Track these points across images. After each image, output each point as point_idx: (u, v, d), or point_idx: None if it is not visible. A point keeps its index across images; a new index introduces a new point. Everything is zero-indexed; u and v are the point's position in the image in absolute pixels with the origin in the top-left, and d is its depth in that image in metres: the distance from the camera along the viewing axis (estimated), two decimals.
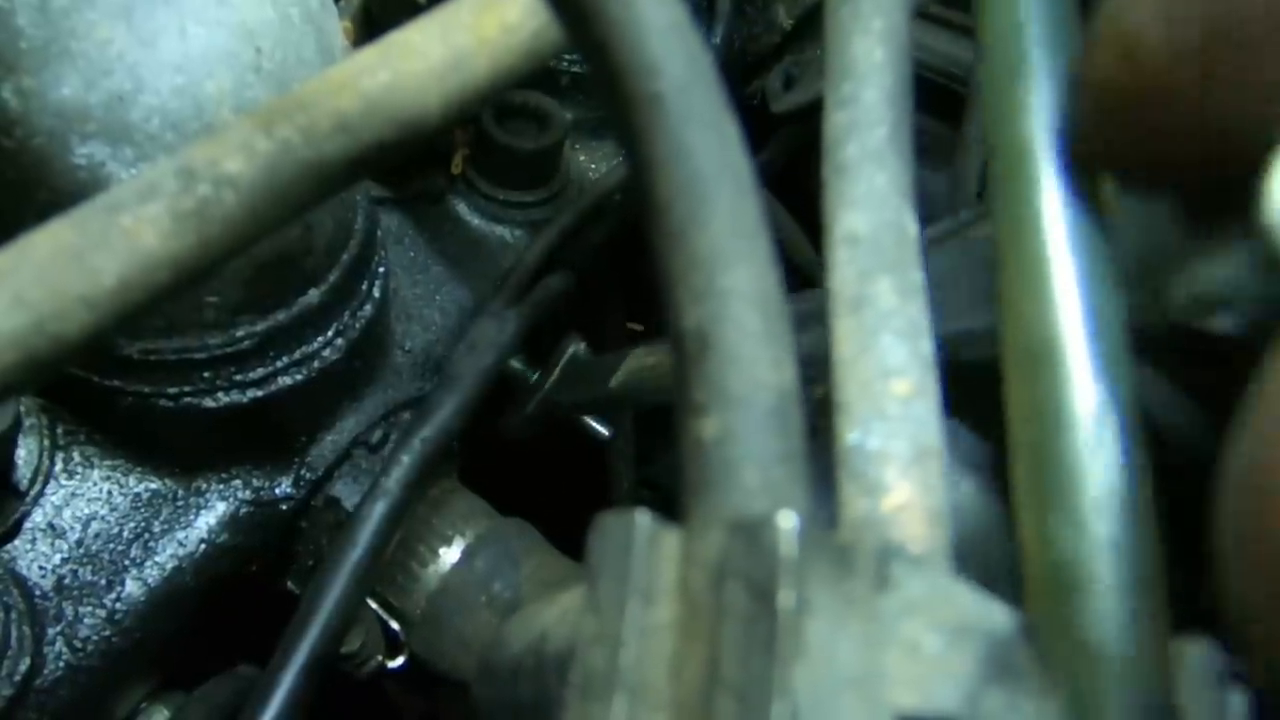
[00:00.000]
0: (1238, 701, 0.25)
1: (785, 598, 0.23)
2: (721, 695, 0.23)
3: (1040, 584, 0.26)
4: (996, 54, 0.32)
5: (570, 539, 0.73)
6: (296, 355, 0.66)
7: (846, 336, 0.33)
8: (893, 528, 0.30)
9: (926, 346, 0.33)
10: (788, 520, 0.24)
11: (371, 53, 0.39)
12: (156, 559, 0.67)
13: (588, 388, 0.79)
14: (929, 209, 0.39)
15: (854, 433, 0.32)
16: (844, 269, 0.35)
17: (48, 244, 0.32)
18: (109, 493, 0.67)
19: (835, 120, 0.38)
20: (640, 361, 0.73)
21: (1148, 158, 0.28)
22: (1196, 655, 0.25)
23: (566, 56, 0.90)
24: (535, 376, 0.84)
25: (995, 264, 0.31)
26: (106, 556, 0.66)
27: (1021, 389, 0.28)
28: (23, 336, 0.30)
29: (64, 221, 0.32)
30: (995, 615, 0.25)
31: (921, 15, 0.84)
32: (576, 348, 0.83)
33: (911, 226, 0.35)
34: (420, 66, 0.38)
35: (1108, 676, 0.24)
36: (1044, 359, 0.28)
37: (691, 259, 0.27)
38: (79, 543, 0.65)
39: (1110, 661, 0.24)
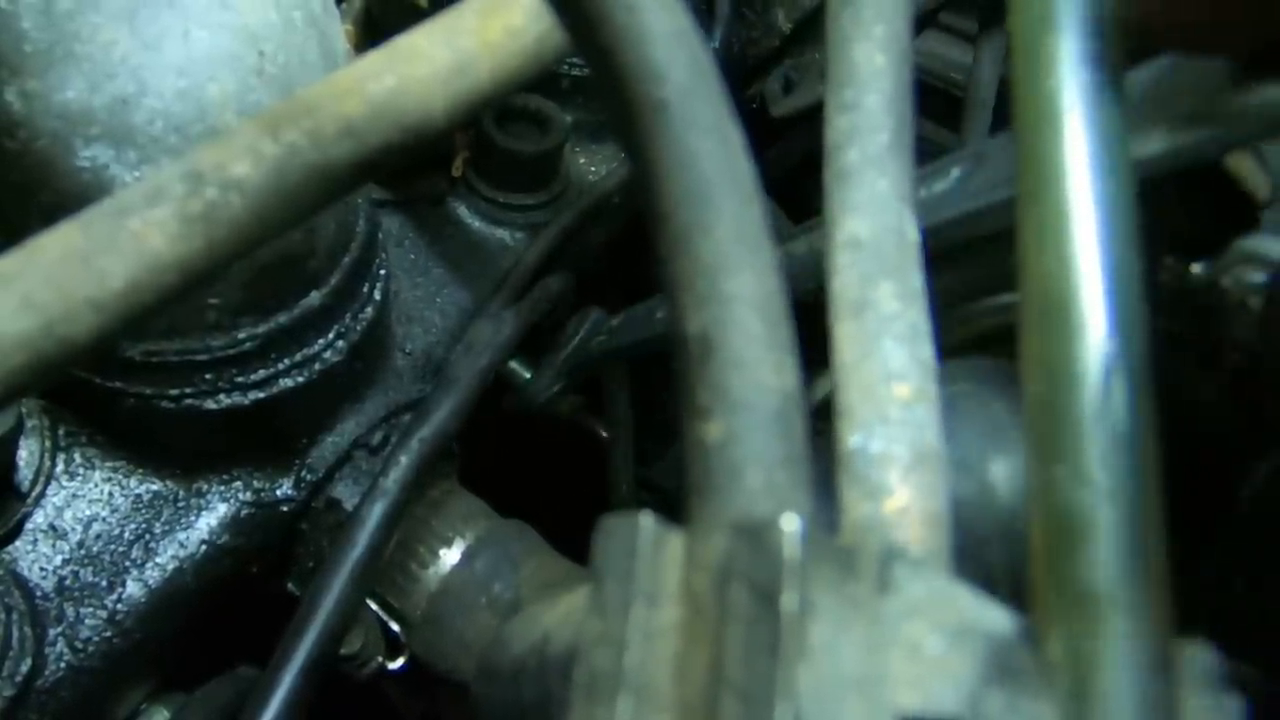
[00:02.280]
0: (1236, 705, 0.26)
1: (789, 600, 0.23)
2: (726, 696, 0.23)
3: (1045, 534, 0.26)
4: (1026, 5, 0.32)
5: (570, 540, 0.73)
6: (298, 357, 0.66)
7: (848, 341, 0.34)
8: (894, 530, 0.30)
9: (927, 351, 0.33)
10: (791, 523, 0.24)
11: (377, 57, 0.39)
12: (157, 560, 0.67)
13: (627, 333, 0.78)
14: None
15: (856, 436, 0.32)
16: (846, 273, 0.35)
17: (56, 247, 0.32)
18: (110, 494, 0.67)
19: (837, 125, 0.38)
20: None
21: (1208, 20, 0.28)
22: (1196, 658, 0.26)
23: (568, 60, 0.90)
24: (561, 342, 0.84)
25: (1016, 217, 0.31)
26: (108, 557, 0.66)
27: (1035, 342, 0.28)
28: (32, 338, 0.31)
29: (72, 225, 0.33)
30: (996, 617, 0.26)
31: (928, 22, 0.84)
32: (598, 314, 0.83)
33: (912, 231, 0.36)
34: (425, 71, 0.39)
35: (1109, 625, 0.24)
36: (1059, 314, 0.28)
37: (695, 264, 0.27)
38: (80, 544, 0.65)
39: (1111, 609, 0.24)
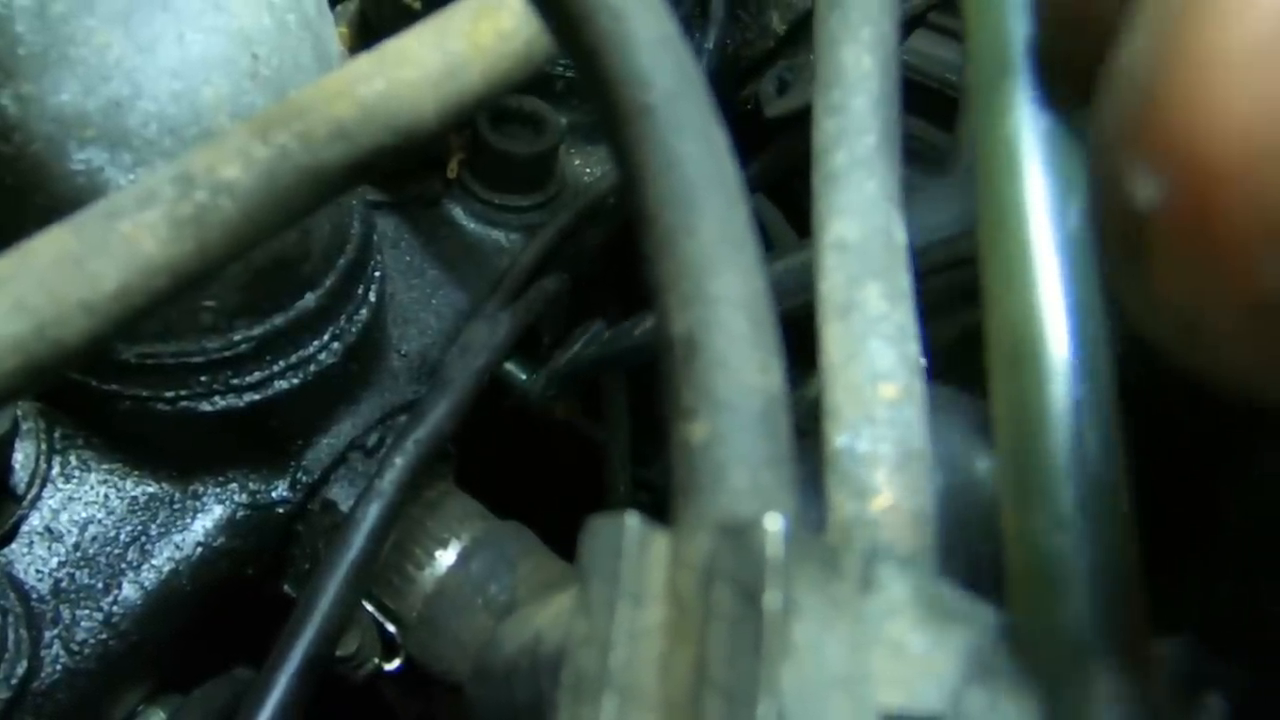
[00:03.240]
0: (1216, 705, 0.26)
1: (771, 599, 0.23)
2: (710, 695, 0.24)
3: (1022, 581, 0.26)
4: (984, 53, 0.32)
5: (567, 541, 0.73)
6: (293, 359, 0.66)
7: (835, 341, 0.34)
8: (880, 529, 0.30)
9: (914, 351, 0.33)
10: (774, 523, 0.24)
11: (368, 60, 0.39)
12: (153, 562, 0.67)
13: (612, 345, 0.79)
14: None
15: (842, 436, 0.32)
16: (833, 274, 0.35)
17: (48, 250, 0.32)
18: (106, 496, 0.67)
19: (825, 127, 0.38)
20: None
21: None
22: (1175, 658, 0.26)
23: (561, 62, 0.90)
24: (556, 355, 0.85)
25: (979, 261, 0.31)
26: (103, 560, 0.66)
27: (1005, 388, 0.28)
28: (23, 341, 0.31)
29: (64, 228, 0.33)
30: (979, 616, 0.26)
31: (918, 21, 0.84)
32: (599, 326, 0.84)
33: (900, 233, 0.36)
34: (416, 74, 0.39)
35: (1088, 673, 0.25)
36: (1026, 358, 0.28)
37: (680, 265, 0.27)
38: (76, 546, 0.66)
39: (1090, 659, 0.25)
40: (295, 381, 0.66)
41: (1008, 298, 0.29)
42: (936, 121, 0.85)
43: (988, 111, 0.31)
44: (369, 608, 0.75)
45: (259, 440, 0.70)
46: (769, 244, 0.99)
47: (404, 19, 0.63)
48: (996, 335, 0.29)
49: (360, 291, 0.70)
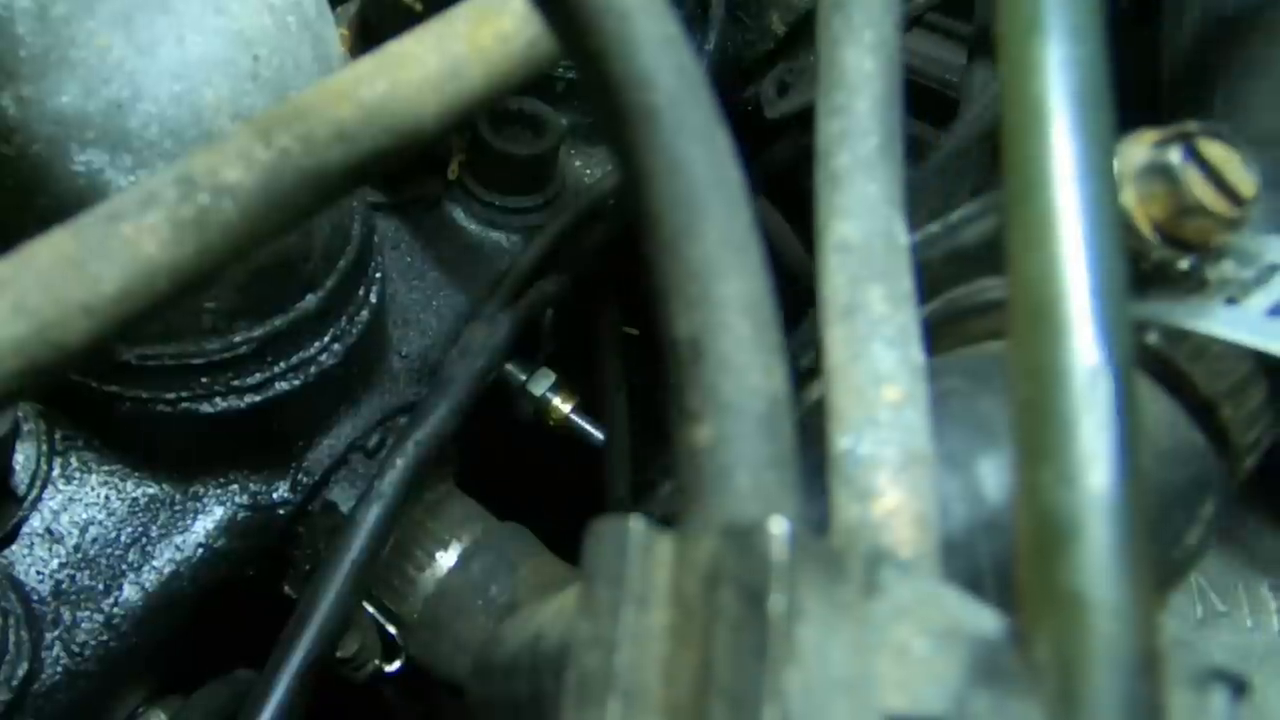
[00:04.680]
0: (1220, 701, 0.26)
1: (776, 602, 0.23)
2: (714, 698, 0.24)
3: (1032, 536, 0.26)
4: (1014, 10, 0.32)
5: (567, 543, 0.73)
6: (294, 360, 0.66)
7: (838, 343, 0.34)
8: (883, 532, 0.30)
9: (916, 353, 0.34)
10: (779, 526, 0.24)
11: (369, 62, 0.39)
12: (154, 564, 0.67)
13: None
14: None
15: (846, 438, 0.32)
16: (835, 276, 0.35)
17: (49, 252, 0.32)
18: (107, 498, 0.67)
19: (827, 129, 0.38)
20: None
21: None
22: (1180, 656, 0.26)
23: (562, 63, 0.90)
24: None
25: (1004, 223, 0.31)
26: (104, 561, 0.66)
27: (1023, 345, 0.29)
28: (24, 344, 0.31)
29: (65, 230, 0.33)
30: (982, 619, 0.26)
31: (919, 22, 0.84)
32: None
33: (902, 235, 0.36)
34: (417, 76, 0.39)
35: (1095, 628, 0.25)
36: (1045, 317, 0.28)
37: (685, 269, 0.27)
38: (77, 548, 0.66)
39: (1097, 611, 0.25)
40: (296, 383, 0.66)
41: (1030, 256, 0.29)
42: (936, 123, 0.85)
43: (1016, 70, 0.31)
44: (370, 609, 0.75)
45: (260, 441, 0.70)
46: (771, 247, 0.99)
47: (405, 20, 0.63)
48: (1018, 292, 0.29)
49: (361, 293, 0.70)
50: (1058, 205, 0.29)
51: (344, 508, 0.73)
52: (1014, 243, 0.29)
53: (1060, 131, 0.29)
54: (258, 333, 0.63)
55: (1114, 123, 0.30)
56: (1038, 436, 0.27)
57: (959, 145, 0.65)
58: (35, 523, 0.65)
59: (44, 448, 0.66)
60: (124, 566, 0.66)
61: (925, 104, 0.77)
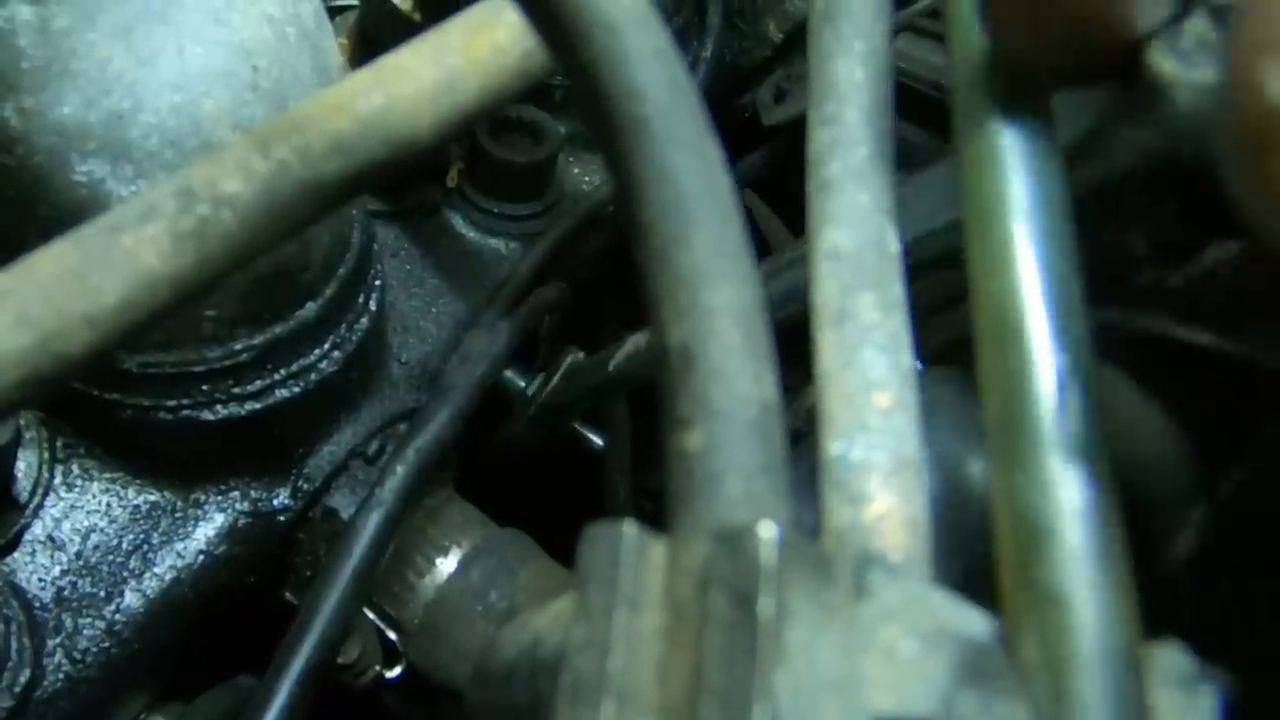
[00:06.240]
0: (1207, 703, 0.26)
1: (765, 605, 0.24)
2: (706, 699, 0.24)
3: (1011, 539, 0.28)
4: (963, 68, 0.34)
5: (567, 548, 0.74)
6: (294, 368, 0.66)
7: (829, 350, 0.34)
8: (874, 536, 0.31)
9: (907, 360, 0.34)
10: (768, 530, 0.24)
11: (365, 75, 0.40)
12: (155, 570, 0.68)
13: (588, 379, 0.80)
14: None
15: (837, 444, 0.33)
16: (827, 284, 0.36)
17: (50, 264, 0.33)
18: (108, 505, 0.67)
19: (819, 138, 0.39)
20: (635, 345, 0.75)
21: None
22: (1166, 657, 0.26)
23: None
24: (535, 384, 0.85)
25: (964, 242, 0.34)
26: (105, 568, 0.66)
27: (990, 359, 0.31)
28: (26, 355, 0.31)
29: (66, 242, 0.33)
30: (970, 620, 0.26)
31: (908, 27, 0.85)
32: (575, 356, 0.84)
33: (893, 243, 0.36)
34: (413, 88, 0.39)
35: (1077, 625, 0.25)
36: (1010, 333, 0.30)
37: (676, 277, 0.28)
38: (78, 555, 0.66)
39: (1078, 609, 0.25)
40: (296, 390, 0.67)
41: (992, 279, 0.31)
42: (927, 126, 0.85)
43: (969, 118, 0.34)
44: (370, 615, 0.76)
45: (260, 448, 0.71)
46: (763, 242, 1.00)
47: (403, 30, 0.63)
48: (981, 313, 0.31)
49: (361, 300, 0.71)
50: (1014, 234, 0.32)
51: (344, 514, 0.73)
52: (975, 266, 0.32)
53: (1014, 171, 0.33)
54: (258, 340, 0.63)
55: (1058, 156, 0.33)
56: (1011, 444, 0.28)
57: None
58: (37, 530, 0.65)
59: (46, 455, 0.66)
60: (125, 573, 0.67)
61: (916, 108, 0.78)
